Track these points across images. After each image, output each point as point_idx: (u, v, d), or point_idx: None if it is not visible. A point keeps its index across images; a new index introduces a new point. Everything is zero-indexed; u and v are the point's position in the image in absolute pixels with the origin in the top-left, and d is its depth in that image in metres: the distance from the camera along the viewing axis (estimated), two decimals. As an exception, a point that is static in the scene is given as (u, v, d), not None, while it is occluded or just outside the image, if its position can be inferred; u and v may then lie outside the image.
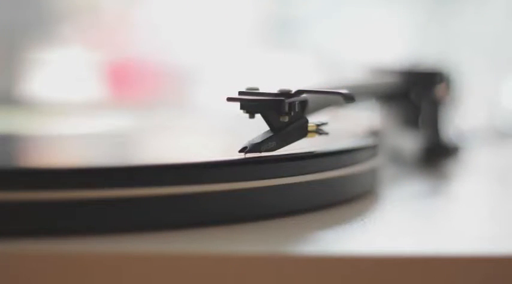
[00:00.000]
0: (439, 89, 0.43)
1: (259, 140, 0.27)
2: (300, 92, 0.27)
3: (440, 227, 0.29)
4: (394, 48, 0.86)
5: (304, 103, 0.28)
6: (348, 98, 0.27)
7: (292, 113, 0.27)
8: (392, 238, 0.26)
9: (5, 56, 0.88)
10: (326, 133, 0.29)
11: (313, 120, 0.28)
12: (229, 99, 0.27)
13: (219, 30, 0.92)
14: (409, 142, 0.43)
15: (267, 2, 0.94)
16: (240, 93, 0.27)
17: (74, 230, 0.24)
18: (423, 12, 0.89)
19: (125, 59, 0.93)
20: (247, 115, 0.27)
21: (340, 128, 0.33)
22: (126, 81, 0.94)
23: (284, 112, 0.27)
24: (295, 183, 0.27)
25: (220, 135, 0.40)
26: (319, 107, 0.30)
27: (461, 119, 0.48)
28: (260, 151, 0.27)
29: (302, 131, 0.28)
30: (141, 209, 0.24)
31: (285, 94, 0.27)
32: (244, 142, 0.27)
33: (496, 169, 0.45)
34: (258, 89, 0.28)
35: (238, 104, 0.27)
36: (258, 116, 0.27)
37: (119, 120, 0.45)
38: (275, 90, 0.27)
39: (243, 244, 0.24)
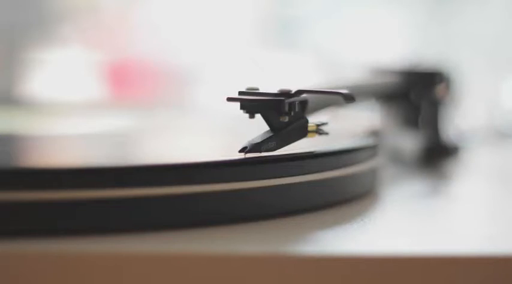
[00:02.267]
0: (439, 89, 0.43)
1: (259, 140, 0.27)
2: (300, 92, 0.27)
3: (440, 227, 0.29)
4: (394, 48, 0.86)
5: (304, 103, 0.28)
6: (348, 98, 0.27)
7: (292, 113, 0.27)
8: (392, 238, 0.26)
9: (5, 56, 0.88)
10: (326, 133, 0.29)
11: (313, 120, 0.28)
12: (229, 99, 0.27)
13: (219, 30, 0.92)
14: (409, 142, 0.43)
15: (267, 2, 0.94)
16: (240, 93, 0.27)
17: (74, 230, 0.24)
18: (423, 12, 0.89)
19: (125, 59, 0.93)
20: (247, 115, 0.27)
21: (340, 128, 0.33)
22: (126, 81, 0.94)
23: (284, 112, 0.27)
24: (295, 183, 0.27)
25: (220, 135, 0.40)
26: (319, 107, 0.30)
27: (461, 119, 0.48)
28: (260, 151, 0.27)
29: (302, 131, 0.28)
30: (141, 209, 0.24)
31: (285, 94, 0.27)
32: (244, 142, 0.27)
33: (496, 169, 0.45)
34: (258, 89, 0.28)
35: (238, 104, 0.27)
36: (258, 116, 0.27)
37: (119, 120, 0.45)
38: (275, 90, 0.27)
39: (243, 244, 0.24)
